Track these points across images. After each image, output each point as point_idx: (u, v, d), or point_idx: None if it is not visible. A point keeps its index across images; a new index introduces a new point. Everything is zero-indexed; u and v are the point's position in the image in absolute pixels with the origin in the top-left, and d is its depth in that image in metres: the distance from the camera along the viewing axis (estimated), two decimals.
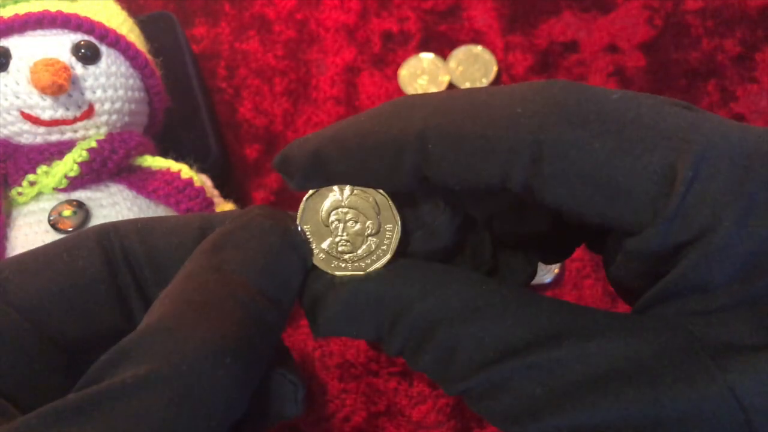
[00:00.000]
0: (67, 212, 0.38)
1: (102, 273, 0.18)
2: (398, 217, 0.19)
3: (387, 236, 0.19)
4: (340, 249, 0.19)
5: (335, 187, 0.18)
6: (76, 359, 0.18)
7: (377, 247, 0.19)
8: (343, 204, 0.19)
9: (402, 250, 0.19)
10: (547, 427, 0.15)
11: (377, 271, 0.18)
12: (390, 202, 0.18)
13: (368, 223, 0.19)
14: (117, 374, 0.15)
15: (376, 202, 0.19)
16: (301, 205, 0.19)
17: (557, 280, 0.49)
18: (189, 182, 0.40)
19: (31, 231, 0.38)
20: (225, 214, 0.19)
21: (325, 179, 0.18)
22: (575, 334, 0.15)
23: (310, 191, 0.19)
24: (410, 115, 0.16)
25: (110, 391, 0.14)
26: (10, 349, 0.16)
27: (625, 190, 0.15)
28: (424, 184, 0.17)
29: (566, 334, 0.15)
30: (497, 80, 0.55)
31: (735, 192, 0.14)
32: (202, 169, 0.44)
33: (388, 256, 0.19)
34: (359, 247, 0.19)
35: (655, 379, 0.14)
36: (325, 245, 0.19)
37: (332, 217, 0.19)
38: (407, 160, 0.16)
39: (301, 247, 0.18)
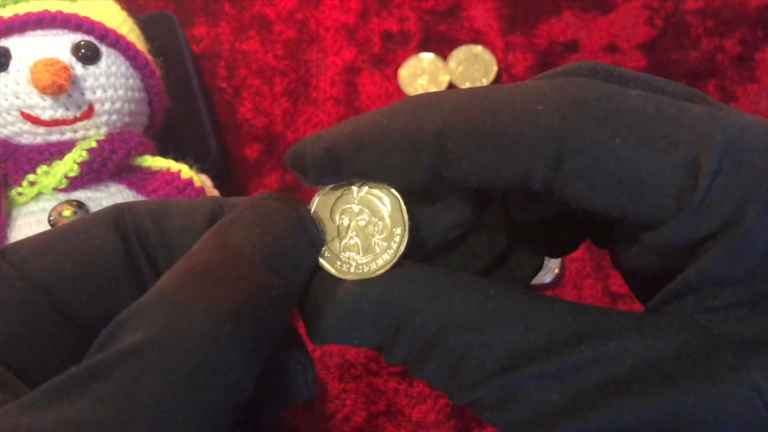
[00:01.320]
0: (67, 212, 0.38)
1: (118, 251, 0.18)
2: (408, 220, 0.18)
3: (395, 239, 0.18)
4: (346, 248, 0.18)
5: (347, 185, 0.18)
6: (91, 337, 0.17)
7: (384, 249, 0.18)
8: (354, 202, 0.19)
9: (409, 249, 0.19)
10: None
11: (382, 276, 0.18)
12: (401, 203, 0.18)
13: (378, 223, 0.18)
14: (118, 342, 0.14)
15: (388, 203, 0.18)
16: (313, 200, 0.19)
17: (557, 280, 0.49)
18: (189, 182, 0.40)
19: (31, 231, 0.38)
20: (237, 199, 0.19)
21: (340, 176, 0.18)
22: (591, 336, 0.15)
23: (324, 188, 0.19)
24: (428, 113, 0.16)
25: (105, 362, 0.14)
26: (26, 324, 0.16)
27: (648, 185, 0.15)
28: (439, 183, 0.17)
29: (582, 338, 0.15)
30: (497, 80, 0.55)
31: (758, 185, 0.14)
32: (202, 169, 0.44)
33: (395, 260, 0.18)
34: (366, 248, 0.18)
35: (676, 379, 0.14)
36: (332, 243, 0.19)
37: (342, 215, 0.19)
38: (425, 159, 0.16)
39: (311, 228, 0.18)
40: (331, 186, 0.19)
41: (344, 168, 0.18)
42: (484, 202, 0.19)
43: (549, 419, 0.15)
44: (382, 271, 0.18)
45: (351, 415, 0.45)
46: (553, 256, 0.21)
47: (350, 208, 0.19)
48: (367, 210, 0.18)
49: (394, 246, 0.18)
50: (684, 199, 0.14)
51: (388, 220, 0.18)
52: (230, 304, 0.15)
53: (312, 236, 0.18)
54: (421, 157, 0.16)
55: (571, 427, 0.15)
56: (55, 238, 0.18)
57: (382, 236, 0.18)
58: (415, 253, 0.19)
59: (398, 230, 0.18)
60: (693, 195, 0.14)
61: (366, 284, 0.18)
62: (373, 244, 0.18)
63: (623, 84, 0.17)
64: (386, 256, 0.18)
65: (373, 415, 0.45)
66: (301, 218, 0.18)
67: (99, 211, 0.18)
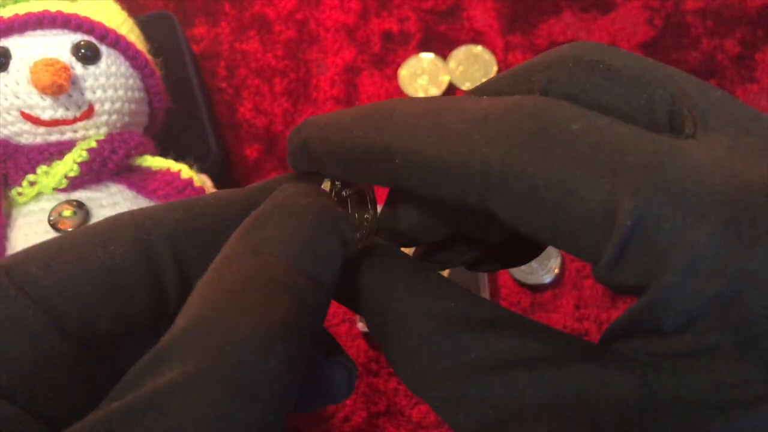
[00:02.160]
0: (67, 212, 0.38)
1: (141, 270, 0.17)
2: (373, 210, 0.20)
3: (364, 225, 0.20)
4: None
5: (324, 180, 0.19)
6: (103, 361, 0.17)
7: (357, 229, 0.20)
8: (334, 190, 0.19)
9: (388, 234, 0.20)
10: None
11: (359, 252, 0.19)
12: (371, 196, 0.20)
13: (352, 212, 0.20)
14: (160, 375, 0.14)
15: (360, 194, 0.20)
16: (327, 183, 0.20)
17: (557, 280, 0.49)
18: (189, 182, 0.40)
19: (31, 231, 0.38)
20: (263, 184, 0.19)
21: (312, 167, 0.19)
22: (533, 361, 0.15)
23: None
24: (383, 127, 0.17)
25: (159, 394, 0.13)
26: (34, 352, 0.16)
27: (569, 226, 0.14)
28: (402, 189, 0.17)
29: (523, 361, 0.15)
30: None
31: (681, 244, 0.13)
32: (202, 169, 0.44)
33: (361, 243, 0.19)
34: None
35: (595, 420, 0.14)
36: None
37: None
38: (377, 169, 0.17)
39: (341, 224, 0.18)
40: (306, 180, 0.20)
41: (314, 160, 0.18)
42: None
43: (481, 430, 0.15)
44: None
45: (351, 415, 0.45)
46: (507, 266, 0.21)
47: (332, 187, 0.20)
48: (342, 199, 0.20)
49: (363, 232, 0.20)
50: (602, 247, 0.14)
51: (363, 210, 0.20)
52: (276, 323, 0.15)
53: (343, 232, 0.17)
54: (373, 167, 0.17)
55: None
56: (69, 253, 0.17)
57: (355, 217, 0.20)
58: (402, 239, 0.20)
59: (367, 216, 0.20)
60: (609, 243, 0.14)
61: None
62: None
63: (604, 80, 0.16)
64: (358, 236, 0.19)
65: (373, 415, 0.45)
66: (331, 215, 0.17)
67: (114, 224, 0.17)
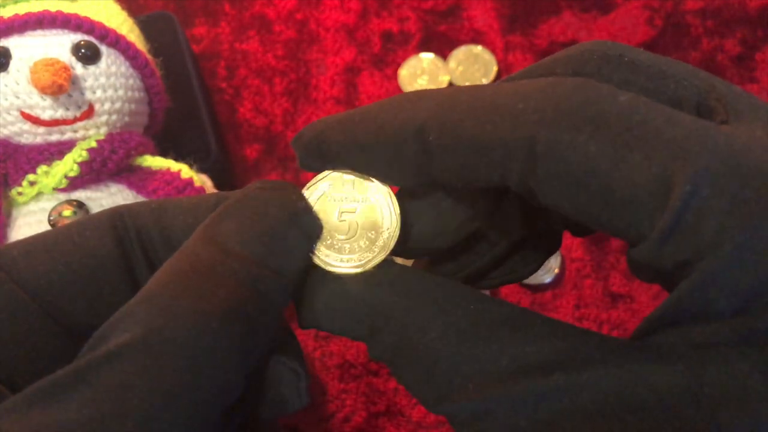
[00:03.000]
0: (67, 212, 0.38)
1: (113, 254, 0.17)
2: (398, 215, 0.18)
3: (385, 234, 0.18)
4: (335, 240, 0.18)
5: (340, 176, 0.18)
6: (83, 342, 0.17)
7: (372, 243, 0.18)
8: (347, 195, 0.18)
9: (401, 247, 0.18)
10: None
11: (367, 273, 0.18)
12: (391, 198, 0.18)
13: (368, 217, 0.18)
14: (109, 341, 0.14)
15: (380, 196, 0.18)
16: (302, 191, 0.19)
17: (557, 280, 0.49)
18: (189, 182, 0.40)
19: (31, 231, 0.38)
20: (239, 190, 0.19)
21: (325, 160, 0.18)
22: (567, 363, 0.14)
23: (317, 177, 0.18)
24: (415, 107, 0.16)
25: (93, 362, 0.14)
26: (15, 329, 0.16)
27: (621, 199, 0.14)
28: (426, 182, 0.17)
29: (556, 364, 0.14)
30: (497, 80, 0.55)
31: (739, 215, 0.13)
32: (202, 169, 0.44)
33: (382, 257, 0.18)
34: (356, 241, 0.18)
35: (645, 418, 0.13)
36: (322, 235, 0.18)
37: (333, 206, 0.18)
38: (407, 151, 0.16)
39: (304, 218, 0.18)
40: (323, 177, 0.18)
41: (330, 152, 0.18)
42: (496, 197, 0.19)
43: None
44: (369, 267, 0.18)
45: (351, 415, 0.45)
46: (576, 235, 0.20)
47: (342, 199, 0.18)
48: (357, 203, 0.18)
49: (384, 240, 0.18)
50: (657, 220, 0.13)
51: (378, 215, 0.18)
52: (217, 302, 0.15)
53: (305, 226, 0.18)
54: (403, 149, 0.16)
55: None
56: (49, 241, 0.17)
57: (371, 231, 0.18)
58: (424, 249, 0.19)
59: (388, 224, 0.18)
60: (664, 216, 0.13)
61: (350, 280, 0.18)
62: (362, 237, 0.18)
63: (630, 73, 0.16)
64: (375, 251, 0.18)
65: (373, 415, 0.45)
66: (293, 207, 0.17)
67: (95, 214, 0.18)
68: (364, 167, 0.18)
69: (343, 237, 0.18)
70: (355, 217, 0.18)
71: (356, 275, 0.18)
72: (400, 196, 0.18)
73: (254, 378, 0.17)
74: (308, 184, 0.19)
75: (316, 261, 0.18)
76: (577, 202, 0.14)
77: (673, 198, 0.13)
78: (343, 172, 0.18)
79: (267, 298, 0.16)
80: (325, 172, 0.18)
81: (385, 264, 0.18)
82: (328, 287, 0.18)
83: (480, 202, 0.18)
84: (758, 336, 0.13)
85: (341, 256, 0.18)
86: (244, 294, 0.15)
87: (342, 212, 0.18)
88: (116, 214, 0.18)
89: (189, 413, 0.14)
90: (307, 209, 0.18)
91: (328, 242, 0.18)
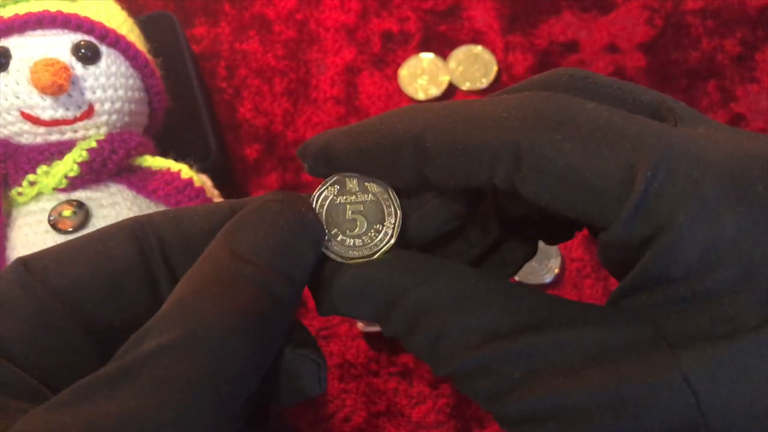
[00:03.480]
0: (67, 212, 0.38)
1: (135, 262, 0.19)
2: (399, 211, 0.21)
3: (389, 225, 0.21)
4: (347, 236, 0.21)
5: (346, 179, 0.21)
6: (108, 346, 0.19)
7: (380, 233, 0.21)
8: (352, 196, 0.21)
9: (402, 238, 0.21)
10: (522, 406, 0.17)
11: (379, 259, 0.20)
12: (392, 193, 0.21)
13: (374, 212, 0.21)
14: (143, 345, 0.16)
15: (382, 194, 0.21)
16: (315, 194, 0.21)
17: (557, 280, 0.49)
18: (189, 182, 0.40)
19: (31, 231, 0.38)
20: (248, 200, 0.21)
21: (332, 167, 0.20)
22: (553, 323, 0.17)
23: (326, 181, 0.21)
24: (413, 118, 0.19)
25: (135, 361, 0.16)
26: (46, 331, 0.18)
27: (593, 188, 0.16)
28: (421, 183, 0.19)
29: (544, 324, 0.17)
30: (497, 80, 0.55)
31: (689, 194, 0.16)
32: (202, 169, 0.44)
33: (391, 242, 0.21)
34: (365, 235, 0.21)
35: (620, 366, 0.16)
36: (334, 232, 0.21)
37: (342, 207, 0.21)
38: (406, 156, 0.19)
39: (311, 226, 0.20)
40: (332, 181, 0.21)
41: (336, 159, 0.20)
42: (475, 199, 0.21)
43: (511, 393, 0.17)
44: (378, 255, 0.20)
45: (351, 415, 0.45)
46: (549, 243, 0.23)
47: (349, 200, 0.21)
48: (363, 201, 0.21)
49: (389, 231, 0.21)
50: (623, 203, 0.16)
51: (382, 210, 0.21)
52: (239, 308, 0.17)
53: (313, 235, 0.20)
54: (402, 154, 0.19)
55: (528, 401, 0.17)
56: (75, 249, 0.19)
57: (378, 225, 0.21)
58: (413, 241, 0.21)
59: (392, 217, 0.21)
60: (630, 199, 0.16)
61: (364, 266, 0.20)
62: (370, 231, 0.21)
63: (595, 90, 0.19)
64: (383, 240, 0.21)
65: (373, 415, 0.45)
66: (302, 219, 0.19)
67: (118, 223, 0.20)
68: (367, 170, 0.20)
69: (354, 231, 0.21)
70: (363, 213, 0.21)
71: (369, 262, 0.20)
72: (398, 195, 0.21)
73: (277, 372, 0.19)
74: (318, 188, 0.21)
75: (331, 256, 0.21)
76: (555, 193, 0.17)
77: (637, 183, 0.16)
78: (348, 176, 0.21)
79: (281, 302, 0.18)
80: (333, 177, 0.21)
81: (393, 250, 0.21)
82: (343, 275, 0.20)
83: (460, 204, 0.21)
84: (709, 291, 0.16)
85: (353, 249, 0.21)
86: (261, 299, 0.18)
87: (351, 210, 0.21)
88: (137, 224, 0.20)
89: (218, 405, 0.16)
90: (315, 219, 0.20)
91: (339, 239, 0.21)
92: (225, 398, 0.16)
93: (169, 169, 0.41)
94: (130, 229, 0.20)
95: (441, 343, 0.18)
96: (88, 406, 0.15)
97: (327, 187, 0.21)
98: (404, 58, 0.55)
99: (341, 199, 0.21)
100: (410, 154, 0.19)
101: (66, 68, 0.38)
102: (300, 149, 0.21)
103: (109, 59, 0.40)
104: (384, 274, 0.19)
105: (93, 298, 0.19)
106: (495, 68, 0.55)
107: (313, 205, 0.21)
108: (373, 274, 0.20)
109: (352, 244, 0.21)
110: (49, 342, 0.18)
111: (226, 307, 0.17)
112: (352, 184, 0.21)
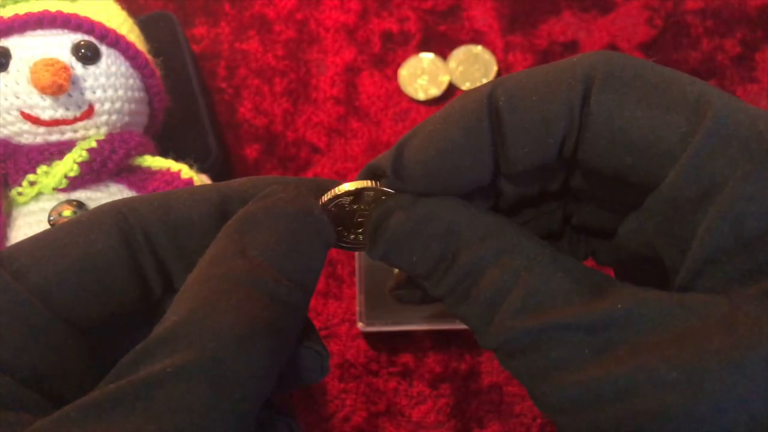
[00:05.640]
0: (67, 212, 0.38)
1: (121, 254, 0.18)
2: None
3: None
4: (352, 233, 0.20)
5: (364, 193, 0.19)
6: (95, 341, 0.18)
7: None
8: (363, 203, 0.20)
9: None
10: (589, 384, 0.15)
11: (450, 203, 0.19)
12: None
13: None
14: (153, 364, 0.15)
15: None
16: (328, 195, 0.20)
17: None
18: (189, 182, 0.40)
19: (31, 231, 0.38)
20: (240, 185, 0.20)
21: (409, 188, 0.19)
22: (624, 299, 0.16)
23: (341, 192, 0.20)
24: (480, 87, 0.18)
25: (150, 381, 0.15)
26: (28, 333, 0.17)
27: (650, 144, 0.17)
28: (495, 171, 0.18)
29: (614, 297, 0.16)
30: None
31: (743, 156, 0.16)
32: (202, 169, 0.44)
33: None
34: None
35: (699, 347, 0.15)
36: (339, 229, 0.20)
37: (352, 212, 0.20)
38: (483, 126, 0.18)
39: (324, 231, 0.19)
40: (344, 191, 0.20)
41: (411, 182, 0.19)
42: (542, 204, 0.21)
43: (576, 369, 0.16)
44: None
45: (351, 415, 0.45)
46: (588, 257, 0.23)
47: (359, 209, 0.20)
48: (371, 212, 0.20)
49: None
50: (678, 158, 0.16)
51: None
52: (257, 321, 0.16)
53: (324, 238, 0.19)
54: (480, 127, 0.18)
55: (595, 379, 0.15)
56: (54, 244, 0.18)
57: None
58: None
59: None
60: (685, 154, 0.16)
61: (438, 204, 0.18)
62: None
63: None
64: None
65: (373, 415, 0.45)
66: (316, 222, 0.19)
67: (97, 212, 0.18)
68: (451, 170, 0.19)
69: (360, 230, 0.20)
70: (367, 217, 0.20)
71: (442, 202, 0.19)
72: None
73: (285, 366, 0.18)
74: (329, 197, 0.20)
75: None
76: (615, 153, 0.17)
77: (693, 142, 0.16)
78: (364, 188, 0.19)
79: (293, 309, 0.17)
80: (344, 187, 0.19)
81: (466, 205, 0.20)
82: (414, 212, 0.18)
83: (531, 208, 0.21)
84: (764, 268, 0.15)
85: (358, 245, 0.21)
86: (277, 309, 0.17)
87: (358, 215, 0.20)
88: (119, 213, 0.18)
89: (236, 422, 0.16)
90: (327, 222, 0.19)
91: (345, 235, 0.20)
92: (242, 414, 0.16)
93: (169, 169, 0.41)
94: (114, 220, 0.18)
95: (498, 308, 0.17)
96: (98, 425, 0.14)
97: (342, 196, 0.20)
98: (404, 58, 0.55)
99: (353, 207, 0.20)
100: (486, 122, 0.18)
101: (66, 68, 0.38)
102: (391, 166, 0.19)
103: (109, 59, 0.40)
104: (458, 219, 0.18)
105: (75, 294, 0.18)
106: (495, 68, 0.55)
107: (328, 203, 0.20)
108: (447, 217, 0.18)
109: (355, 240, 0.21)
110: (33, 343, 0.17)
111: (243, 322, 0.16)
112: (369, 197, 0.20)
